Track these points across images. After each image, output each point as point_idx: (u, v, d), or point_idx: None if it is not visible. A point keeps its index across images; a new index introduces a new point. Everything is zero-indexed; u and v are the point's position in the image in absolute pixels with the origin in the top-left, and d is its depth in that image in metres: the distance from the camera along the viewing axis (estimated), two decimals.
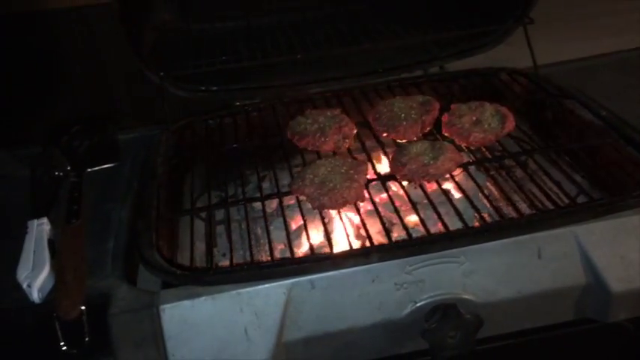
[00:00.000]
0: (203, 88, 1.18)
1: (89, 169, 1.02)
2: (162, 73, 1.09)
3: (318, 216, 0.91)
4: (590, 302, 0.84)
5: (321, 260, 0.80)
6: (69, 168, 1.00)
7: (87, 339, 0.74)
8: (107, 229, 0.91)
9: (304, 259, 0.82)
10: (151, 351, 0.75)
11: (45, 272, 0.79)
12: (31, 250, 0.82)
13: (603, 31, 1.58)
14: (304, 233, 0.89)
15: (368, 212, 0.95)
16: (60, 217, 0.89)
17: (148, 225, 0.88)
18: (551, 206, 0.88)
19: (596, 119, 1.04)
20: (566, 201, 0.89)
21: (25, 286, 0.78)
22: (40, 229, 0.85)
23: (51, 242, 0.84)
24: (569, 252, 0.82)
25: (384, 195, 0.96)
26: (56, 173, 0.99)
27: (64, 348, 0.73)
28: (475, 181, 0.95)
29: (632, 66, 1.25)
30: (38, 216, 0.88)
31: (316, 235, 0.99)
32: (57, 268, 0.79)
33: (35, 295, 0.77)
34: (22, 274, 0.78)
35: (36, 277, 0.78)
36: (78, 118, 1.13)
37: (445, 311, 0.78)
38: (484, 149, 1.01)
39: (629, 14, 1.66)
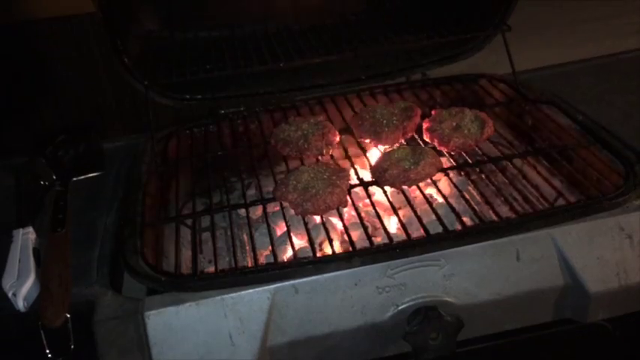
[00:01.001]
0: (188, 96, 1.19)
1: (74, 179, 1.02)
2: (146, 82, 1.10)
3: (301, 222, 0.93)
4: (569, 303, 0.86)
5: (304, 265, 0.82)
6: (54, 177, 1.01)
7: (72, 347, 0.74)
8: (92, 238, 0.92)
9: (287, 264, 0.83)
10: (136, 357, 0.76)
11: (30, 281, 0.79)
12: (16, 259, 0.82)
13: (582, 38, 1.62)
14: (288, 239, 0.90)
15: (350, 217, 0.97)
16: (45, 226, 0.90)
17: (133, 232, 0.89)
18: (529, 209, 0.90)
19: (573, 124, 1.07)
20: (545, 204, 0.91)
21: (10, 294, 0.78)
22: (25, 238, 0.86)
23: (36, 251, 0.85)
24: (547, 254, 0.84)
25: (367, 200, 0.97)
26: (41, 182, 0.99)
27: (50, 356, 0.73)
28: (455, 186, 0.97)
29: (609, 71, 1.27)
30: (23, 225, 0.88)
31: (300, 241, 1.00)
32: (42, 277, 0.80)
33: (20, 304, 0.77)
34: (7, 283, 0.79)
35: (21, 286, 0.78)
36: (63, 128, 1.13)
37: (426, 314, 0.80)
38: (464, 154, 1.03)
39: (608, 21, 1.70)
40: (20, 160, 1.07)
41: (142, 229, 0.90)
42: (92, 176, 1.05)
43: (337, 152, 1.08)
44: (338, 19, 1.30)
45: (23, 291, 0.78)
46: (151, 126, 1.10)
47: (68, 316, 0.75)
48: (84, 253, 0.88)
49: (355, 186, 0.96)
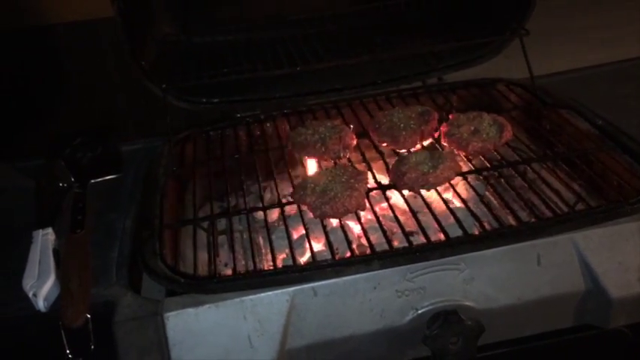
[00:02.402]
0: (204, 100, 1.19)
1: (92, 181, 1.02)
2: (164, 86, 1.10)
3: (319, 225, 0.92)
4: (590, 308, 0.85)
5: (323, 268, 0.81)
6: (72, 179, 1.01)
7: (92, 347, 0.74)
8: (111, 239, 0.92)
9: (307, 266, 0.83)
10: (155, 358, 0.76)
11: (50, 281, 0.79)
12: (36, 259, 0.83)
13: (599, 43, 1.61)
14: (306, 242, 0.90)
15: (368, 221, 0.96)
16: (64, 227, 0.90)
17: (152, 234, 0.89)
18: (549, 214, 0.89)
19: (593, 128, 1.06)
20: (565, 209, 0.90)
21: (30, 295, 0.78)
22: (45, 239, 0.86)
23: (56, 252, 0.85)
24: (568, 259, 0.84)
25: (385, 204, 0.97)
26: (60, 185, 1.00)
27: (70, 356, 0.73)
28: (474, 190, 0.97)
29: (626, 76, 1.27)
30: (43, 226, 0.89)
31: (318, 244, 1.00)
32: (62, 278, 0.80)
33: (41, 304, 0.78)
34: (28, 284, 0.79)
35: (41, 287, 0.79)
36: (81, 130, 1.14)
37: (446, 317, 0.79)
38: (482, 158, 1.02)
39: (625, 26, 1.69)
40: (39, 163, 1.08)
41: (160, 231, 0.90)
42: (110, 178, 1.05)
43: (354, 156, 1.08)
44: (354, 22, 1.30)
45: (44, 291, 0.78)
46: (168, 129, 1.10)
47: (88, 316, 0.75)
48: (103, 255, 0.88)
49: (373, 189, 0.96)
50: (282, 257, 1.00)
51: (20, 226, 0.91)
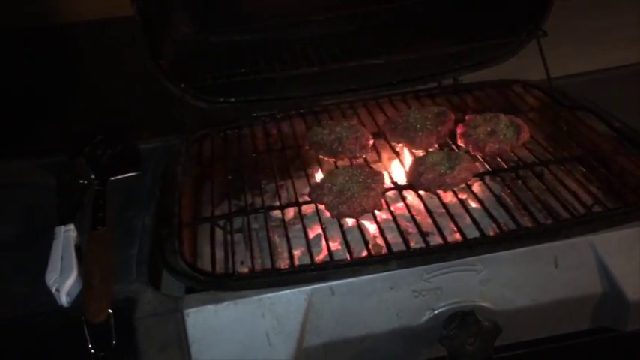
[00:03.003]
0: (222, 99, 1.20)
1: (112, 178, 1.04)
2: (183, 85, 1.11)
3: (335, 225, 0.93)
4: (608, 311, 0.85)
5: (340, 267, 0.82)
6: (93, 177, 1.03)
7: (114, 342, 0.75)
8: (131, 236, 0.93)
9: (324, 265, 0.83)
10: (175, 354, 0.77)
11: (73, 277, 0.81)
12: (58, 255, 0.84)
13: (616, 44, 1.60)
14: (322, 241, 0.90)
15: (385, 221, 0.97)
16: (85, 223, 0.92)
17: (171, 232, 0.90)
18: (567, 216, 0.89)
19: (610, 130, 1.06)
20: (582, 210, 0.90)
21: (53, 290, 0.80)
22: (67, 235, 0.88)
23: (78, 248, 0.86)
24: (586, 261, 0.84)
25: (401, 204, 0.97)
26: (81, 182, 1.01)
27: (93, 351, 0.74)
28: (491, 191, 0.97)
29: None
30: (65, 223, 0.90)
31: (333, 243, 1.01)
32: (84, 273, 0.82)
33: (64, 299, 0.79)
34: (51, 279, 0.80)
35: (64, 282, 0.80)
36: (101, 129, 1.15)
37: (464, 318, 0.80)
38: (499, 159, 1.02)
39: None
40: (60, 160, 1.10)
41: (179, 228, 0.92)
42: (129, 176, 1.07)
43: (370, 156, 1.08)
44: (371, 23, 1.31)
45: (66, 286, 0.80)
46: (186, 128, 1.12)
47: (110, 311, 0.76)
48: (123, 251, 0.89)
49: (390, 190, 0.97)
50: (298, 256, 1.01)
51: (42, 222, 0.93)
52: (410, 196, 0.99)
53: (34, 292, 0.81)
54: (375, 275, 0.81)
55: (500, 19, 1.26)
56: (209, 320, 0.78)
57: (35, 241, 0.90)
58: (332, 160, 1.06)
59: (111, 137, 1.12)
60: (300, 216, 0.95)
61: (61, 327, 0.79)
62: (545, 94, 1.20)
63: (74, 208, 0.95)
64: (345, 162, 1.05)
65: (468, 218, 0.90)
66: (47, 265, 0.83)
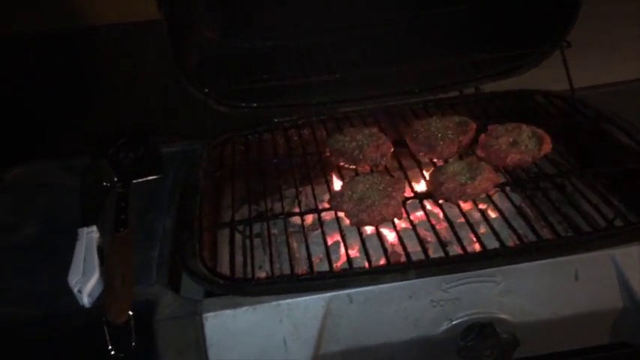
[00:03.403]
0: (244, 104, 1.21)
1: (134, 181, 1.05)
2: (206, 90, 1.13)
3: (354, 232, 0.93)
4: (627, 326, 0.84)
5: (359, 275, 0.82)
6: (115, 179, 1.04)
7: (133, 344, 0.76)
8: (152, 239, 0.94)
9: (343, 273, 0.84)
10: (193, 357, 0.78)
11: (95, 278, 0.82)
12: (81, 256, 0.85)
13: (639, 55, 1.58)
14: (342, 248, 0.91)
15: (404, 230, 0.97)
16: (108, 225, 0.93)
17: (191, 236, 0.91)
18: (588, 228, 0.88)
19: (634, 143, 1.04)
20: (604, 224, 0.89)
21: (75, 290, 0.81)
22: (90, 236, 0.89)
23: (100, 249, 0.88)
24: (607, 275, 0.83)
25: (421, 213, 0.97)
26: (104, 184, 1.03)
27: (112, 352, 0.75)
28: (512, 202, 0.96)
29: None
30: (88, 224, 0.92)
31: (352, 251, 1.01)
32: (106, 275, 0.83)
33: (85, 300, 0.80)
34: (73, 280, 0.82)
35: (86, 283, 0.81)
36: (124, 132, 1.17)
37: (482, 329, 0.79)
38: (520, 170, 1.02)
39: None
40: (82, 161, 1.11)
41: (199, 232, 0.92)
42: (151, 179, 1.08)
43: (391, 164, 1.08)
44: (393, 31, 1.31)
45: (88, 287, 0.81)
46: (208, 132, 1.13)
47: (131, 313, 0.77)
48: (144, 254, 0.91)
49: (410, 198, 0.97)
50: (316, 262, 1.02)
51: (66, 222, 0.94)
52: (430, 205, 0.99)
53: (57, 292, 0.83)
54: (394, 284, 0.81)
55: (525, 29, 1.25)
56: (227, 324, 0.79)
57: (58, 241, 0.92)
58: (352, 168, 1.06)
59: (134, 140, 1.14)
60: (320, 222, 0.95)
61: (82, 327, 0.80)
62: (567, 104, 1.19)
63: (97, 210, 0.97)
64: (366, 169, 1.05)
65: (488, 228, 0.90)
66: (70, 266, 0.84)
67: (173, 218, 0.98)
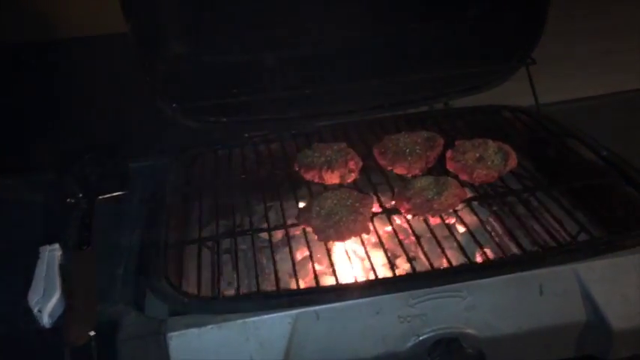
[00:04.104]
0: (213, 119, 1.21)
1: (100, 197, 1.03)
2: (174, 105, 1.12)
3: (323, 247, 0.93)
4: (592, 339, 0.85)
5: (326, 292, 0.82)
6: (80, 195, 1.02)
7: None
8: (117, 256, 0.92)
9: (310, 290, 0.83)
10: None
11: (55, 297, 0.80)
12: (42, 275, 0.84)
13: (608, 71, 1.62)
14: (310, 264, 0.90)
15: (372, 245, 0.97)
16: (71, 243, 0.91)
17: (157, 253, 0.90)
18: (553, 243, 0.90)
19: (598, 158, 1.06)
20: (568, 238, 0.91)
21: (35, 310, 0.79)
22: (52, 254, 0.87)
23: (62, 268, 0.86)
24: (571, 289, 0.84)
25: (389, 228, 0.97)
26: (68, 200, 1.01)
27: None
28: (478, 217, 0.97)
29: (634, 106, 1.28)
30: (50, 241, 0.90)
31: (320, 266, 1.00)
32: (68, 294, 0.81)
33: (45, 320, 0.79)
34: (33, 299, 0.80)
35: (46, 302, 0.79)
36: (89, 146, 1.15)
37: (448, 345, 0.80)
38: (487, 185, 1.03)
39: (635, 55, 1.70)
40: (46, 177, 1.09)
41: (165, 250, 0.91)
42: (117, 195, 1.06)
43: (360, 179, 1.08)
44: (364, 46, 1.32)
45: (49, 307, 0.79)
46: (177, 147, 1.12)
47: (92, 333, 0.76)
48: (108, 271, 0.89)
49: (378, 213, 0.97)
50: (285, 279, 1.01)
51: (27, 240, 0.92)
52: (398, 220, 1.00)
53: (16, 312, 0.81)
54: (361, 300, 0.81)
55: (491, 46, 1.27)
56: (193, 344, 0.77)
57: (19, 259, 0.90)
58: (321, 183, 1.06)
59: (100, 155, 1.12)
60: (288, 238, 0.95)
61: (43, 348, 0.78)
62: (533, 120, 1.22)
63: (60, 227, 0.94)
64: (335, 185, 1.05)
65: (454, 243, 0.91)
66: (30, 285, 0.82)
67: (139, 235, 0.97)
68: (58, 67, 1.49)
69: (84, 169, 1.09)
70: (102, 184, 1.06)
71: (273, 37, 1.32)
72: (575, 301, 0.84)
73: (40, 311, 0.79)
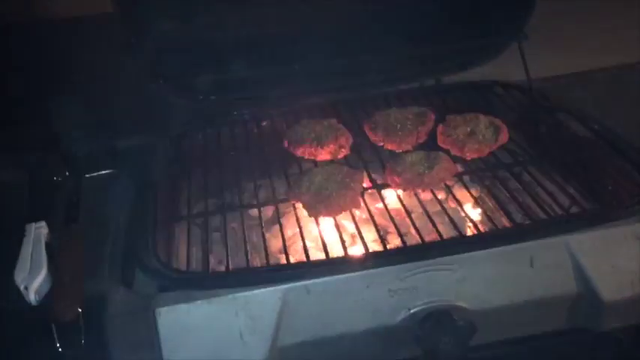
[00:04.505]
0: (202, 97, 1.19)
1: (87, 175, 1.02)
2: (161, 82, 1.10)
3: (313, 223, 0.92)
4: (582, 311, 0.85)
5: (316, 266, 0.81)
6: (67, 173, 1.01)
7: (83, 341, 0.74)
8: (105, 234, 0.92)
9: (300, 264, 0.83)
10: (146, 354, 0.76)
11: (42, 275, 0.79)
12: (28, 253, 0.83)
13: (598, 47, 1.61)
14: (300, 240, 0.90)
15: (363, 220, 0.96)
16: (58, 221, 0.90)
17: (145, 230, 0.89)
18: (544, 216, 0.89)
19: (589, 132, 1.06)
20: (559, 211, 0.90)
21: (22, 288, 0.78)
22: (38, 232, 0.86)
23: (48, 245, 0.85)
24: (562, 261, 0.83)
25: (380, 204, 0.97)
26: (55, 178, 1.00)
27: (60, 350, 0.73)
28: (469, 191, 0.97)
29: (624, 81, 1.27)
30: (36, 220, 0.88)
31: (311, 242, 1.00)
32: (55, 271, 0.80)
33: (32, 297, 0.78)
34: (20, 277, 0.79)
35: (33, 280, 0.78)
36: (77, 125, 1.13)
37: (438, 318, 0.79)
38: (478, 160, 1.02)
39: (624, 30, 1.69)
40: (33, 156, 1.08)
41: (154, 227, 0.90)
42: (105, 173, 1.05)
43: (350, 155, 1.08)
44: (355, 22, 1.30)
45: (35, 285, 0.78)
46: (165, 125, 1.11)
47: (80, 310, 0.75)
48: (96, 249, 0.88)
49: (368, 189, 0.96)
50: (276, 255, 1.00)
51: (14, 218, 0.91)
52: (389, 195, 0.99)
53: (3, 290, 0.80)
54: (351, 274, 0.80)
55: (483, 21, 1.26)
56: (181, 319, 0.77)
57: (5, 238, 0.88)
58: (311, 159, 1.05)
59: (87, 134, 1.11)
60: (278, 214, 0.94)
61: (30, 326, 0.77)
62: (525, 95, 1.21)
63: (47, 205, 0.93)
64: (325, 161, 1.04)
65: (446, 218, 0.90)
66: (16, 263, 0.81)
67: (127, 213, 0.96)
68: (45, 47, 1.46)
69: (71, 147, 1.07)
70: (89, 163, 1.05)
71: (261, 14, 1.30)
72: (565, 273, 0.84)
73: (26, 288, 0.78)
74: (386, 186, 0.97)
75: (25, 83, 1.36)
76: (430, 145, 1.07)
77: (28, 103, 1.36)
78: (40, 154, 1.06)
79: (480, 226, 0.88)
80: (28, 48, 1.43)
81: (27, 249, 0.83)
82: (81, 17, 1.49)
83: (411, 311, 0.81)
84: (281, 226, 0.91)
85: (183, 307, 0.77)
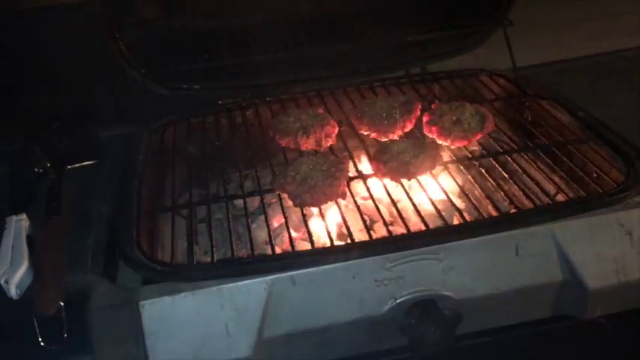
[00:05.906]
0: (185, 86, 1.18)
1: (69, 166, 1.01)
2: (144, 71, 1.09)
3: (299, 213, 0.92)
4: (567, 299, 0.86)
5: (301, 256, 0.81)
6: (48, 165, 0.99)
7: (65, 335, 0.73)
8: (87, 226, 0.90)
9: (285, 255, 0.82)
10: (130, 347, 0.75)
11: (23, 268, 0.78)
12: (9, 246, 0.81)
13: (582, 35, 1.61)
14: (285, 230, 0.89)
15: (349, 210, 0.96)
16: (39, 213, 0.88)
17: (129, 221, 0.88)
18: (529, 204, 0.89)
19: (574, 120, 1.06)
20: (545, 199, 0.91)
21: (2, 282, 0.77)
22: (19, 225, 0.85)
23: (29, 238, 0.83)
24: (547, 249, 0.84)
25: (366, 193, 0.96)
26: (35, 170, 0.98)
27: (43, 344, 0.72)
28: (455, 180, 0.96)
29: (609, 69, 1.27)
30: (17, 212, 0.87)
31: (297, 233, 0.99)
32: (36, 264, 0.79)
33: (13, 292, 0.76)
34: (0, 270, 0.77)
35: (14, 273, 0.77)
36: (58, 115, 1.12)
37: (424, 307, 0.79)
38: (464, 148, 1.02)
39: (610, 19, 1.69)
40: (13, 148, 1.06)
41: (137, 218, 0.89)
42: (87, 164, 1.03)
43: (336, 144, 1.07)
44: (339, 11, 1.29)
45: (16, 278, 0.77)
46: (148, 115, 1.09)
47: (62, 304, 0.74)
48: (78, 242, 0.87)
49: (354, 178, 0.96)
50: (261, 245, 1.00)
51: None
52: (375, 185, 0.98)
53: None
54: (337, 265, 0.80)
55: (468, 8, 1.25)
56: (166, 312, 0.76)
57: None
58: (297, 149, 1.04)
59: (68, 124, 1.09)
60: (263, 206, 0.93)
61: (10, 320, 0.76)
62: (510, 83, 1.21)
63: (27, 197, 0.92)
64: (310, 151, 1.04)
65: (431, 207, 0.90)
66: None
67: (110, 204, 0.94)
68: (25, 37, 1.43)
69: (52, 138, 1.05)
70: (71, 154, 1.04)
71: (245, 2, 1.28)
72: (551, 261, 0.84)
73: (7, 282, 0.76)
74: (371, 175, 0.96)
75: (5, 74, 1.34)
76: (416, 134, 1.07)
77: (8, 93, 1.34)
78: (21, 146, 1.04)
79: (465, 215, 0.88)
80: (5, 37, 1.40)
81: (7, 242, 0.82)
82: (59, 5, 1.45)
83: (397, 301, 0.81)
84: (266, 216, 0.91)
85: (167, 300, 0.76)
